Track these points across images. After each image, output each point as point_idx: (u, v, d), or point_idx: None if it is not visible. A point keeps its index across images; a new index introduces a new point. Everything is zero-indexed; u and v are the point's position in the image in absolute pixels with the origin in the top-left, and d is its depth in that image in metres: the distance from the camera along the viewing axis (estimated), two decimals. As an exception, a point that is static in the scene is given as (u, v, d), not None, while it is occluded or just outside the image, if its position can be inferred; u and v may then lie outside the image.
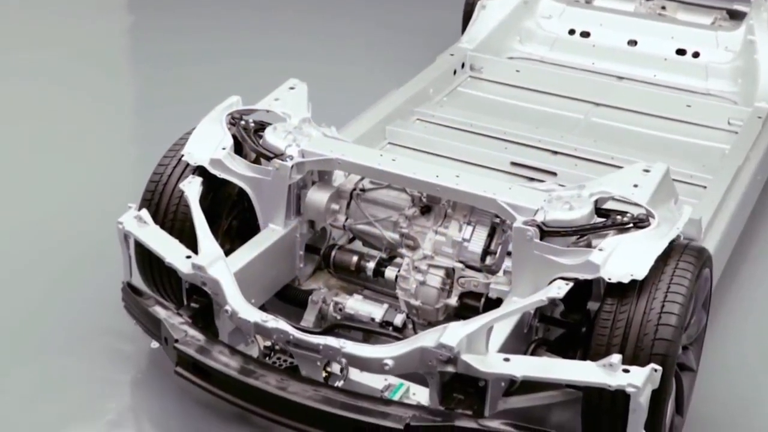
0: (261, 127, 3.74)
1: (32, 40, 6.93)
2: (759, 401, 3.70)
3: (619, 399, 2.94)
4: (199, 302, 3.37)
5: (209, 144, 3.66)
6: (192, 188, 3.52)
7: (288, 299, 3.74)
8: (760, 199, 4.79)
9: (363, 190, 3.70)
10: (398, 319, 3.49)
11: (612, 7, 5.73)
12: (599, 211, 3.33)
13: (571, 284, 3.10)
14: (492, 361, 2.99)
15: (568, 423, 3.44)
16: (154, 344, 3.47)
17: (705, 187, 4.26)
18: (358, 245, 3.84)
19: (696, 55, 5.33)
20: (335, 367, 3.37)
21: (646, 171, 3.43)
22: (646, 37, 5.45)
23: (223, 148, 3.62)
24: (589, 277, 3.13)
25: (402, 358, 3.01)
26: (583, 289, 3.33)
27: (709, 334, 3.94)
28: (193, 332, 3.21)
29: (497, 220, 3.47)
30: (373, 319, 3.52)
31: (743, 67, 5.17)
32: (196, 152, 3.64)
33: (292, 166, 3.56)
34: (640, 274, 3.06)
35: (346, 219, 3.70)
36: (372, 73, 6.20)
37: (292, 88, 3.96)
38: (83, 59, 6.61)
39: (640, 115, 5.06)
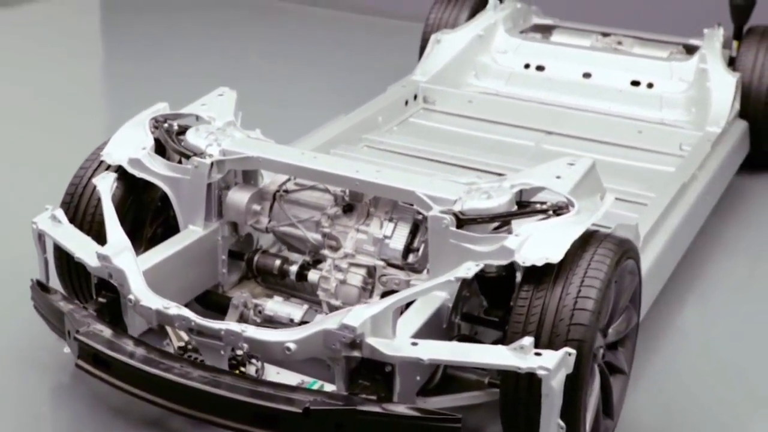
0: (184, 130, 3.67)
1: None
2: (692, 413, 3.55)
3: (535, 388, 2.81)
4: (107, 297, 3.26)
5: (130, 145, 3.59)
6: (105, 183, 3.44)
7: (209, 305, 3.62)
8: (710, 222, 4.70)
9: (286, 191, 3.61)
10: (317, 319, 3.37)
11: (568, 42, 5.71)
12: (522, 203, 3.23)
13: (481, 265, 2.99)
14: (398, 345, 2.86)
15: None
16: (67, 349, 3.34)
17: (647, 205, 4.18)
18: (286, 253, 3.74)
19: (650, 85, 5.29)
20: (251, 369, 3.26)
21: (571, 164, 3.34)
22: (601, 69, 5.42)
23: (143, 148, 3.55)
24: (503, 262, 3.03)
25: (304, 342, 2.88)
26: (505, 285, 3.22)
27: (650, 346, 3.84)
28: (96, 325, 3.09)
29: (420, 217, 3.37)
30: (292, 320, 3.41)
31: (696, 96, 5.12)
32: (115, 153, 3.57)
33: (212, 165, 3.48)
34: (555, 257, 2.95)
35: (269, 221, 3.61)
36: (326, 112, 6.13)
37: (220, 95, 3.91)
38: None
39: (591, 142, 5.00)
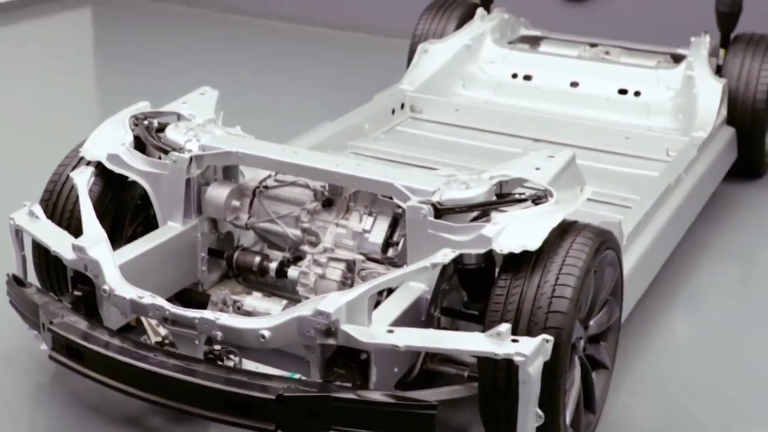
0: (164, 127, 3.65)
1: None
2: (678, 415, 3.51)
3: (514, 379, 2.78)
4: (83, 291, 3.22)
5: (109, 142, 3.57)
6: (82, 177, 3.42)
7: (188, 302, 3.56)
8: (700, 227, 4.68)
9: (266, 187, 3.59)
10: None
11: (556, 52, 5.70)
12: (501, 195, 3.21)
13: (457, 252, 2.97)
14: (374, 332, 2.83)
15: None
16: (44, 346, 3.30)
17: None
18: (267, 251, 3.70)
19: (637, 94, 5.28)
20: (228, 364, 3.22)
21: (551, 156, 3.33)
22: (588, 78, 5.41)
23: (122, 144, 3.53)
24: (481, 250, 3.00)
25: (279, 329, 2.85)
26: (485, 278, 3.19)
27: (638, 347, 3.80)
28: (70, 316, 3.05)
29: (399, 211, 3.34)
30: (271, 315, 3.36)
31: (683, 103, 5.11)
32: (94, 149, 3.55)
33: (191, 159, 3.45)
34: (533, 245, 2.93)
35: (249, 217, 3.58)
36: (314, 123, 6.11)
37: (202, 94, 3.90)
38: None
39: (578, 149, 4.95)
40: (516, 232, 2.98)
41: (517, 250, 2.92)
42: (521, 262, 2.96)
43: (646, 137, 4.97)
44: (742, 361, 3.82)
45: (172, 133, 3.54)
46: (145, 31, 8.46)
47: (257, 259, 3.54)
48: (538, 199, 3.11)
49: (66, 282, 3.46)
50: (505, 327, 2.77)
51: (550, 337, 2.78)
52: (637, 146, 4.93)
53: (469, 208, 3.09)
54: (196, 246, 3.57)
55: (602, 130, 5.03)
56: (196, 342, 2.98)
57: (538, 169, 3.23)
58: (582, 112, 5.24)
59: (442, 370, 3.24)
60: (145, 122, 3.65)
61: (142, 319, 3.33)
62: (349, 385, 2.79)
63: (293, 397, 2.69)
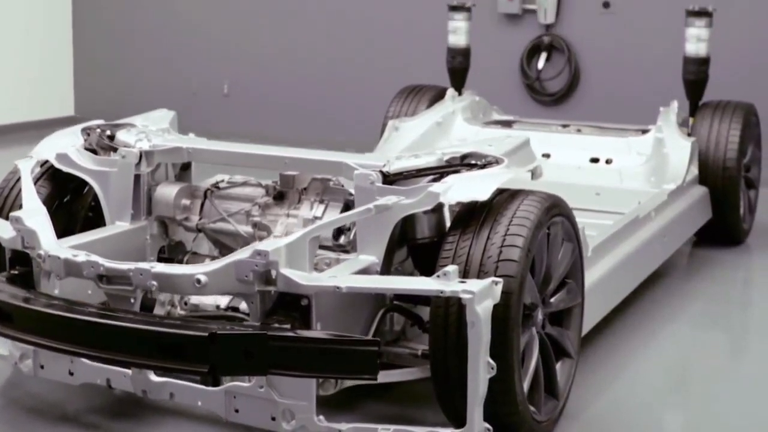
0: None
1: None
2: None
3: (464, 334, 2.64)
4: (20, 270, 3.10)
5: (60, 146, 3.52)
6: (26, 164, 3.36)
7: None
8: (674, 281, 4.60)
9: (218, 187, 3.51)
10: (244, 304, 3.19)
11: (527, 130, 5.69)
12: None
13: (402, 198, 2.87)
14: (315, 276, 2.71)
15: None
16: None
17: None
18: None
19: (609, 161, 5.25)
20: None
21: (506, 137, 3.28)
22: (560, 149, 5.39)
23: (72, 146, 3.48)
24: (429, 207, 2.90)
25: (216, 274, 2.73)
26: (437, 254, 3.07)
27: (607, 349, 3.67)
28: (4, 286, 2.92)
29: (351, 198, 3.26)
30: (218, 307, 3.22)
31: (654, 166, 5.07)
32: (44, 151, 3.50)
33: (141, 155, 3.39)
34: (482, 196, 2.84)
35: (200, 218, 3.48)
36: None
37: (159, 114, 3.87)
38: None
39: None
40: (465, 187, 2.89)
41: (466, 200, 2.84)
42: (470, 219, 2.87)
43: (617, 193, 4.92)
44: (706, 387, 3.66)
45: (123, 135, 3.50)
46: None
47: (207, 261, 3.42)
48: (488, 164, 3.04)
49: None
50: (452, 268, 2.65)
51: (499, 279, 2.67)
52: (608, 202, 4.87)
53: (418, 172, 3.01)
54: (144, 248, 3.46)
55: (572, 189, 4.96)
56: (132, 300, 2.84)
57: (490, 145, 3.18)
58: (553, 180, 5.19)
59: (395, 351, 3.07)
60: (98, 130, 3.61)
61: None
62: (288, 326, 2.63)
63: (227, 335, 2.54)
